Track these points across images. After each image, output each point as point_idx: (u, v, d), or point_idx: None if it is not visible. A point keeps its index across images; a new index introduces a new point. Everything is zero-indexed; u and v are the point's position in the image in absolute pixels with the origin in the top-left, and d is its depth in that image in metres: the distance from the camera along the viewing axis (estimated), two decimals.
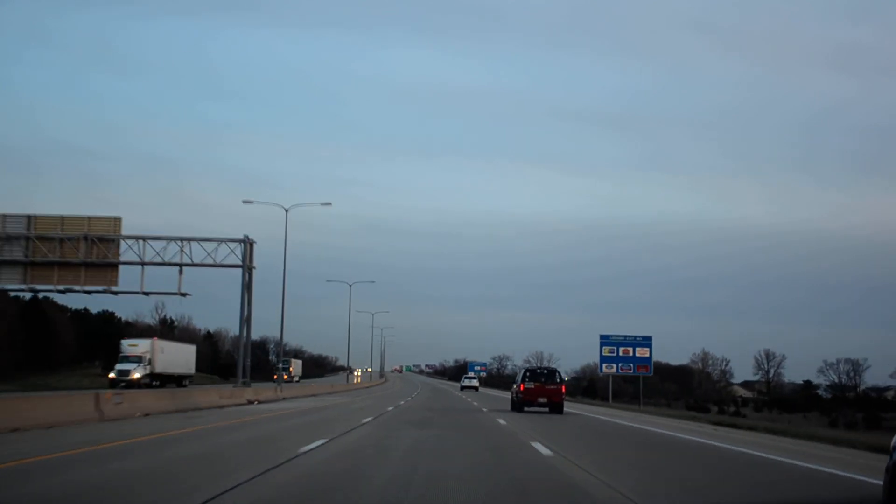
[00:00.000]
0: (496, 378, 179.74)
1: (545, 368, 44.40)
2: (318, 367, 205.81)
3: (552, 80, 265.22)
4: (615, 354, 67.60)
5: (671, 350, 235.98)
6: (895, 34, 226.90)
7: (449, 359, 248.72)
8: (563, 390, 40.37)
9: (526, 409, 39.15)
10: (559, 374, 41.22)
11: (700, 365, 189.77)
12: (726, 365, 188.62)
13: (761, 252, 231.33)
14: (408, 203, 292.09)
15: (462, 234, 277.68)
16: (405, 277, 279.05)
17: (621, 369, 68.04)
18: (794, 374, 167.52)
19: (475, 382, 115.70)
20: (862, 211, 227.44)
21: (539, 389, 39.07)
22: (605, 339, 68.22)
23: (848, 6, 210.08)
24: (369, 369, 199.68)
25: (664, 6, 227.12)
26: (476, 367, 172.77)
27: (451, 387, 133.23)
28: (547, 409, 39.10)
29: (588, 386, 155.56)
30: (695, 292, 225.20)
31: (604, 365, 68.13)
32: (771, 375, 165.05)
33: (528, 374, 40.74)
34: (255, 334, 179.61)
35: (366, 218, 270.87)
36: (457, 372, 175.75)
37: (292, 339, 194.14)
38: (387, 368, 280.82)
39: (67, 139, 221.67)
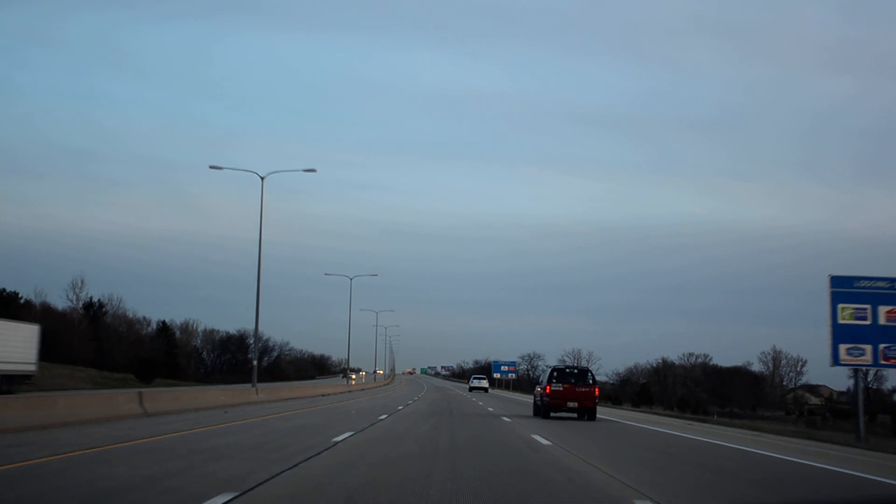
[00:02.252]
0: (526, 382, 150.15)
1: (575, 367, 40.04)
2: (317, 368, 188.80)
3: (559, 82, 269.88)
4: (869, 321, 31.25)
5: (677, 351, 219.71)
6: None
7: (468, 360, 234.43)
8: (597, 392, 36.61)
9: (552, 414, 36.21)
10: (591, 375, 37.39)
11: (771, 367, 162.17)
12: (802, 366, 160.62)
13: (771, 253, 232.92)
14: (420, 206, 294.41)
15: (474, 237, 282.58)
16: (419, 280, 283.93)
17: (885, 357, 31.41)
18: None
19: (485, 383, 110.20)
20: (866, 211, 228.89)
21: (569, 392, 35.31)
22: (844, 287, 32.00)
23: (851, 4, 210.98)
24: (380, 371, 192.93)
25: (672, 7, 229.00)
26: (502, 367, 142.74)
27: (465, 388, 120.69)
28: (575, 415, 36.14)
29: (641, 392, 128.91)
30: (695, 294, 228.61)
31: (842, 347, 31.84)
32: (870, 379, 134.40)
33: (555, 373, 36.36)
34: (236, 326, 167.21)
35: (379, 222, 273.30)
36: (481, 372, 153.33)
37: (300, 341, 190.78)
38: (398, 370, 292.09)
39: (69, 142, 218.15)
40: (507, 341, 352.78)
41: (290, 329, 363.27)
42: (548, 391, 35.50)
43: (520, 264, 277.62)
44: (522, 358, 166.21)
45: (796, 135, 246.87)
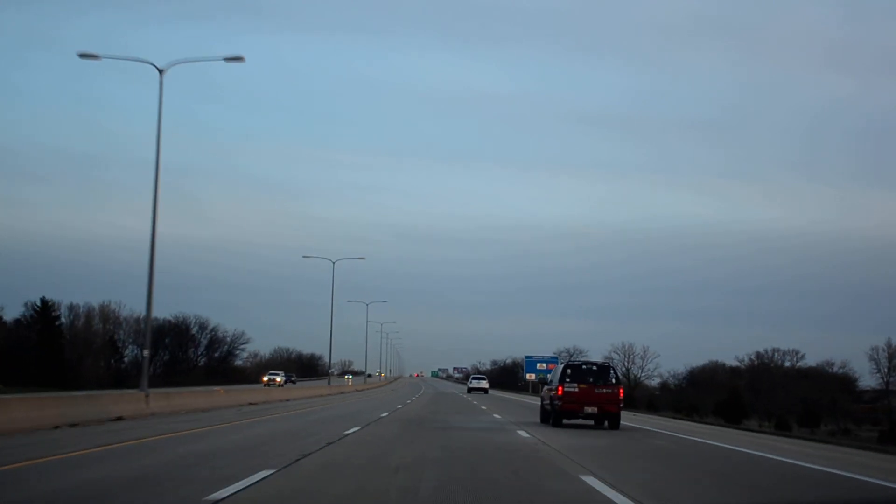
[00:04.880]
0: None
1: (594, 364, 33.04)
2: (308, 368, 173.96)
3: (560, 83, 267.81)
4: None
5: (682, 355, 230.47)
6: None
7: (485, 361, 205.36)
8: (622, 394, 30.81)
9: (566, 421, 30.84)
10: (614, 372, 32.03)
11: (886, 368, 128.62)
12: None
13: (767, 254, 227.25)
14: (422, 208, 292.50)
15: (478, 239, 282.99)
16: (425, 282, 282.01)
17: None
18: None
19: (484, 384, 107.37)
20: (866, 211, 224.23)
21: (586, 393, 29.97)
22: None
23: (851, 4, 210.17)
24: (381, 374, 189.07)
25: (672, 7, 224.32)
26: (538, 365, 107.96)
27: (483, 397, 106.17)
28: (592, 422, 30.62)
29: (730, 399, 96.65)
30: (694, 296, 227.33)
31: None
32: None
33: (569, 371, 31.17)
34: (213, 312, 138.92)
35: (384, 224, 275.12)
36: (500, 374, 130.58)
37: (299, 344, 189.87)
38: (406, 373, 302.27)
39: (69, 145, 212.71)
40: (514, 342, 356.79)
41: (286, 330, 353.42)
42: (559, 392, 30.19)
43: (525, 265, 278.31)
44: (559, 353, 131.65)
45: (796, 135, 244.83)
